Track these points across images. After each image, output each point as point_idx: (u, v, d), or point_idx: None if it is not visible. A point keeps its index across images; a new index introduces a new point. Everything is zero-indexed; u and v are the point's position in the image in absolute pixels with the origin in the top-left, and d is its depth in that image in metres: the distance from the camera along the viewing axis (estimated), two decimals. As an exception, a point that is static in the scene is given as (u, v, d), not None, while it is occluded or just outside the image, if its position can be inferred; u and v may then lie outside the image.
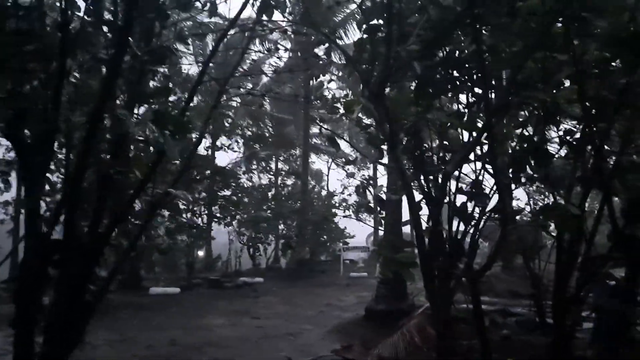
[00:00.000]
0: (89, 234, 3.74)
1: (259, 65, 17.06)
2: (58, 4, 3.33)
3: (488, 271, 4.08)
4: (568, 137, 3.87)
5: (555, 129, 4.23)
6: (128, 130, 3.38)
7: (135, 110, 3.94)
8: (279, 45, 11.91)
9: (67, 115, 3.60)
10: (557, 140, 4.14)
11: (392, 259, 3.74)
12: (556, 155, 4.04)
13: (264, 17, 4.58)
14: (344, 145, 27.40)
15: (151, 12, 3.65)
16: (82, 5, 3.59)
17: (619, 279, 4.33)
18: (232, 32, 4.83)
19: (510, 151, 4.04)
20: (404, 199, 4.14)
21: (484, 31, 3.59)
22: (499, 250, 3.57)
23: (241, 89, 8.09)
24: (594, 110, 3.30)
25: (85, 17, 3.63)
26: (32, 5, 3.37)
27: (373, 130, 4.61)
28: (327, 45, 5.27)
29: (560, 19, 3.06)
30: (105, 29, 3.80)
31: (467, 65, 3.88)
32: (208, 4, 4.46)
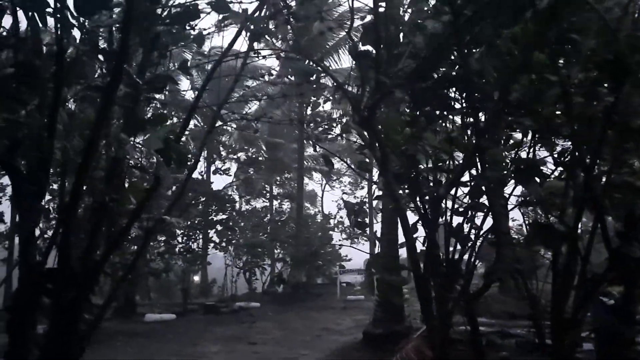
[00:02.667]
0: (84, 261, 3.71)
1: (253, 91, 17.20)
2: (54, 34, 3.38)
3: (485, 293, 4.06)
4: (562, 158, 3.91)
5: (547, 150, 4.26)
6: (125, 155, 3.40)
7: (132, 138, 3.97)
8: (272, 71, 12.01)
9: (62, 143, 3.62)
10: (551, 160, 4.18)
11: (385, 281, 3.73)
12: (551, 176, 4.08)
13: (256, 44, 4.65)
14: (340, 165, 27.50)
15: (148, 42, 3.70)
16: (77, 34, 3.64)
17: (617, 298, 4.31)
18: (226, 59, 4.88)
19: (504, 172, 4.07)
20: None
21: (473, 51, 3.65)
22: (496, 273, 3.57)
23: (235, 114, 8.16)
24: (582, 130, 3.34)
25: (81, 45, 3.68)
26: (28, 35, 3.41)
27: (366, 153, 4.64)
28: (318, 70, 5.34)
29: (544, 41, 3.12)
30: (100, 57, 3.85)
31: (457, 87, 3.95)
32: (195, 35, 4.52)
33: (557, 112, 3.53)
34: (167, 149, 3.33)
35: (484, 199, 3.89)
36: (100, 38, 3.82)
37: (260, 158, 25.59)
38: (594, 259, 3.69)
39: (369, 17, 4.24)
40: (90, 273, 3.69)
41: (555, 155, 3.93)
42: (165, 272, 18.22)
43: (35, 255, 3.52)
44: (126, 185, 4.38)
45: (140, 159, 3.84)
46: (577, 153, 3.35)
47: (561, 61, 3.30)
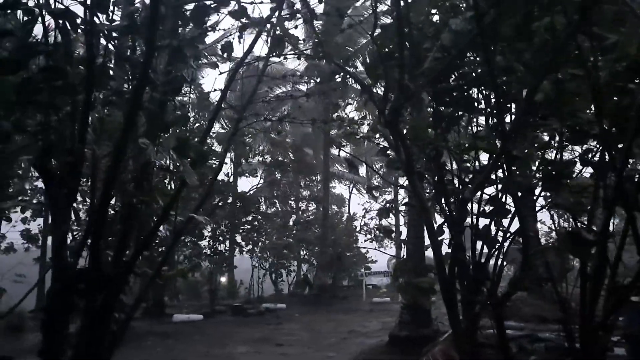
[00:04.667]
0: (114, 262, 3.80)
1: (279, 94, 17.29)
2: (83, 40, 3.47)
3: (513, 296, 4.00)
4: (589, 157, 3.82)
5: (579, 150, 4.17)
6: (150, 158, 3.46)
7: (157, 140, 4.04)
8: (297, 73, 12.04)
9: (92, 147, 3.70)
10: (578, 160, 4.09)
11: (411, 283, 3.71)
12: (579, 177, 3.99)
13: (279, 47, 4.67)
14: (365, 169, 27.40)
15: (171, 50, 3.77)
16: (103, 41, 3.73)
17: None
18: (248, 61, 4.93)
19: (533, 173, 4.00)
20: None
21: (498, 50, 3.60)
22: (523, 277, 3.51)
23: (259, 116, 8.21)
24: (613, 128, 3.26)
25: (108, 52, 3.77)
26: (59, 43, 3.51)
27: (392, 154, 4.62)
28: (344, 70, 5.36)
29: (575, 35, 3.06)
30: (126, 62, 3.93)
31: (482, 87, 3.90)
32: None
33: (587, 111, 3.46)
34: (184, 147, 3.38)
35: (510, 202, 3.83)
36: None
37: (286, 160, 25.65)
38: (632, 261, 3.59)
39: (384, 19, 4.21)
40: (121, 274, 3.77)
41: (584, 155, 3.85)
42: (191, 272, 18.47)
43: (67, 256, 3.61)
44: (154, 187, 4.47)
45: (166, 161, 3.90)
46: (606, 152, 3.27)
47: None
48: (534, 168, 3.85)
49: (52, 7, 3.32)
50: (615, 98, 3.22)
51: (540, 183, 3.69)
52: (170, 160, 3.59)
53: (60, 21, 3.33)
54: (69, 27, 3.37)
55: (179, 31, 4.05)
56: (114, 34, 3.71)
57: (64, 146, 3.48)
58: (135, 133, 3.64)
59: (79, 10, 3.34)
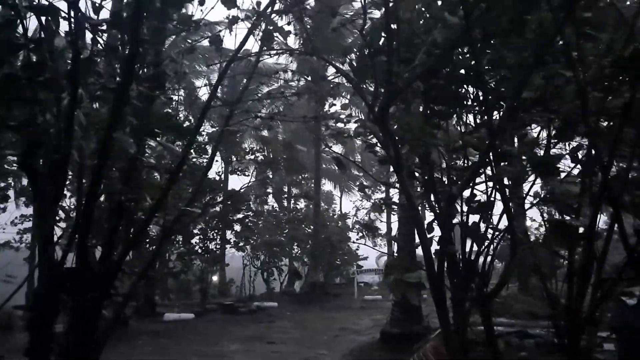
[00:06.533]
0: (102, 261, 3.76)
1: (271, 91, 17.23)
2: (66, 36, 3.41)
3: (501, 292, 4.01)
4: (577, 154, 3.83)
5: (566, 146, 4.19)
6: (137, 154, 3.43)
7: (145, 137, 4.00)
8: (288, 69, 11.99)
9: (78, 143, 3.66)
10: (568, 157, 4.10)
11: (400, 280, 3.71)
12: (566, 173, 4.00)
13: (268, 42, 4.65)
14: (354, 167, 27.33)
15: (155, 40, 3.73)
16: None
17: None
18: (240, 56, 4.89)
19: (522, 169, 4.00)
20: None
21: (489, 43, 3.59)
22: (510, 272, 3.52)
23: (251, 114, 8.16)
24: (598, 126, 3.28)
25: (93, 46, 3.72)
26: (42, 38, 3.45)
27: (380, 151, 4.61)
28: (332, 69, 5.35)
29: (563, 34, 3.06)
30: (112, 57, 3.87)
31: (472, 84, 3.90)
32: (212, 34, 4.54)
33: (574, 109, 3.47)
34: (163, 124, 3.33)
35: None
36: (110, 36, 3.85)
37: (279, 158, 25.54)
38: (617, 257, 3.62)
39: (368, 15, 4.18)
40: (109, 272, 3.73)
41: (571, 152, 3.87)
42: (184, 273, 18.39)
43: (54, 254, 3.57)
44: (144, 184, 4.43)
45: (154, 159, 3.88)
46: (593, 150, 3.28)
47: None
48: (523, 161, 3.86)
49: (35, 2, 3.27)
50: (601, 96, 3.23)
51: (530, 172, 3.69)
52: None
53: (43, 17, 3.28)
54: (51, 22, 3.31)
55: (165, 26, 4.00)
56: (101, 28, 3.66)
57: (50, 143, 3.43)
58: (122, 129, 3.60)
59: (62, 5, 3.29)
